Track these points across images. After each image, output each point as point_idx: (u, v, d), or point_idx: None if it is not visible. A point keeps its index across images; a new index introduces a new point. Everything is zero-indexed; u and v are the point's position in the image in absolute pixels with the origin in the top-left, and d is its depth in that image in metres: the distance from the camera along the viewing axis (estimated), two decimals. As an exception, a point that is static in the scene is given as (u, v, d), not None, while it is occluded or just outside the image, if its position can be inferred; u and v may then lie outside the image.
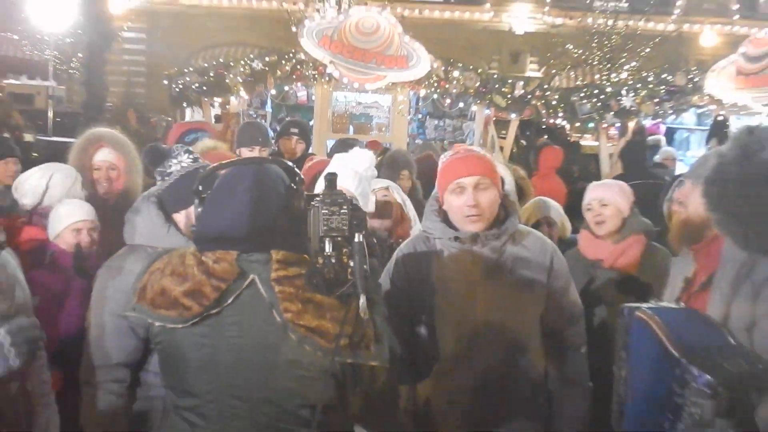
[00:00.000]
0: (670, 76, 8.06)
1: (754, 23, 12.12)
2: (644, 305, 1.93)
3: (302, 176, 1.73)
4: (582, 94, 8.17)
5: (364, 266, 1.54)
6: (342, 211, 1.57)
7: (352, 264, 1.55)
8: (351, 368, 1.61)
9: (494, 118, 8.42)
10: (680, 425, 1.70)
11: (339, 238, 1.56)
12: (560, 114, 8.15)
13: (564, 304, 2.44)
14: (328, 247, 1.55)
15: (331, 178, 1.67)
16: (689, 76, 8.02)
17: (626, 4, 12.84)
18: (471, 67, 8.28)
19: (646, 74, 8.71)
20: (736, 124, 8.05)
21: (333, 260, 1.54)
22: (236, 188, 1.64)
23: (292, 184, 1.67)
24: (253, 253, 1.61)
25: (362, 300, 1.52)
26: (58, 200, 2.87)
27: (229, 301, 1.58)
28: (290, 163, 1.73)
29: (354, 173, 2.80)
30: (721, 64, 7.85)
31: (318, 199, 1.62)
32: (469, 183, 2.31)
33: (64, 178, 2.97)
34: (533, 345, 2.42)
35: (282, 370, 1.58)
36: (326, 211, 1.58)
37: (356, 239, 1.56)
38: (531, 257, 2.39)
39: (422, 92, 8.46)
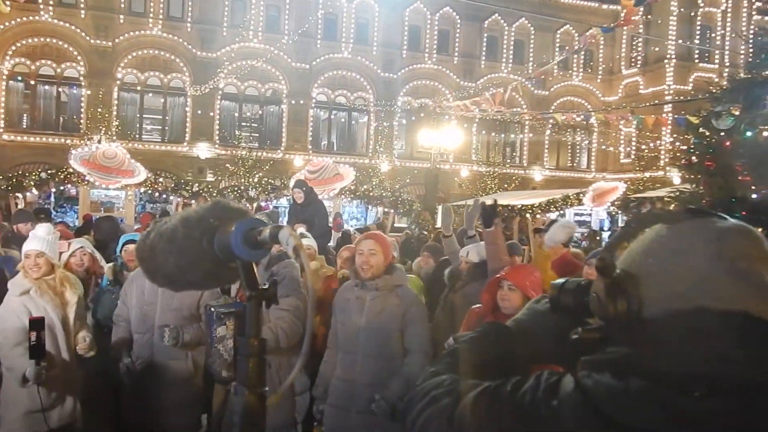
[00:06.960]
0: (277, 181, 15.07)
1: (318, 154, 21.82)
2: (216, 303, 2.91)
3: None
4: (230, 190, 14.98)
5: None
6: None
7: None
8: None
9: (183, 203, 14.51)
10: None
11: None
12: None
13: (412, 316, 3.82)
14: None
15: None
16: (283, 180, 15.08)
17: (256, 144, 21.69)
18: (171, 175, 14.83)
19: (266, 179, 15.75)
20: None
21: None
22: None
23: None
24: None
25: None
26: None
27: None
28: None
29: (42, 238, 3.93)
30: (298, 174, 14.87)
31: None
32: None
33: None
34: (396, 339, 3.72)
35: None
36: None
37: None
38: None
39: (142, 189, 14.32)
